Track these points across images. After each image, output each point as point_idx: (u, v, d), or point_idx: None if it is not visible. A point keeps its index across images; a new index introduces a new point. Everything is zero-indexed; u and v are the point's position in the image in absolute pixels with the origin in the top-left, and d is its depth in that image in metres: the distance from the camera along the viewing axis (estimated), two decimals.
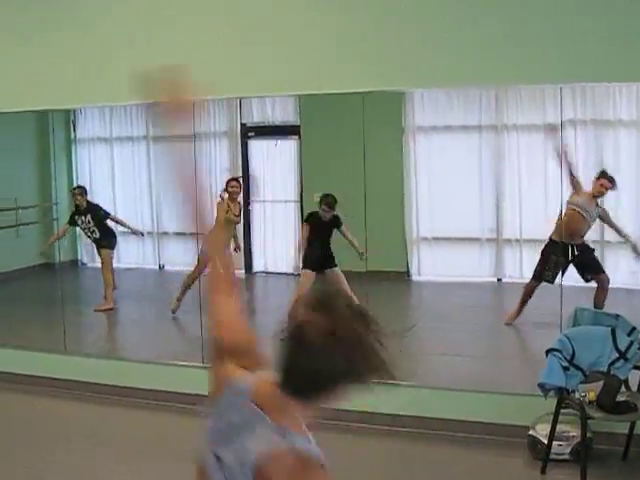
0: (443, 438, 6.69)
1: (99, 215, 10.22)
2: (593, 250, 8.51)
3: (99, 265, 10.48)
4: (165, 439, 6.90)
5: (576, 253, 8.21)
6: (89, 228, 10.22)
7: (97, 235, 10.24)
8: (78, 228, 10.41)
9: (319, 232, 8.85)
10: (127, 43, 7.64)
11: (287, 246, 10.30)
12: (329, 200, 8.77)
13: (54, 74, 7.93)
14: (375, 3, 6.85)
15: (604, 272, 8.51)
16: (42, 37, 7.99)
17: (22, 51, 8.08)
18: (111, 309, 10.25)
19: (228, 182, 9.67)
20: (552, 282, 8.20)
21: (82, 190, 10.33)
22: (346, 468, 6.22)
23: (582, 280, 8.38)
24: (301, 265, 9.00)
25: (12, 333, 8.93)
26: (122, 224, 10.61)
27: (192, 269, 9.55)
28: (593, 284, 8.42)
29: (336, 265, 8.80)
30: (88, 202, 10.20)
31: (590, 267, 8.39)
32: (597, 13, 6.19)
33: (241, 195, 9.74)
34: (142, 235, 11.05)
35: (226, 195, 9.53)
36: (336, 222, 8.79)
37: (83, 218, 10.17)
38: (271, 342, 2.31)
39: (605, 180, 8.36)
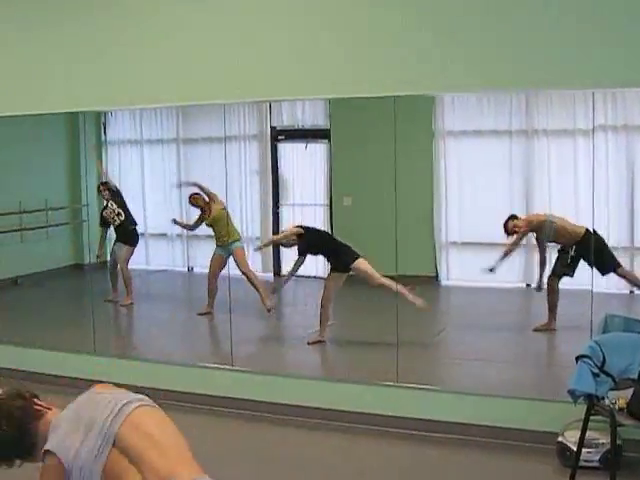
0: (470, 444, 6.67)
1: (120, 197, 10.46)
2: (603, 244, 8.39)
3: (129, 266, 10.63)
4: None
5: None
6: (114, 211, 10.38)
7: (122, 217, 10.39)
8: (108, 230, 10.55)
9: (312, 244, 9.20)
10: (156, 46, 7.67)
11: None
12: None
13: (85, 76, 7.96)
14: (406, 5, 6.83)
15: (620, 266, 8.48)
16: (73, 39, 8.03)
17: (53, 53, 8.11)
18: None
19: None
20: (569, 276, 8.56)
21: (105, 184, 10.61)
22: (374, 472, 6.23)
23: (613, 286, 8.37)
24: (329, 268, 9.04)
25: (42, 334, 8.98)
26: None
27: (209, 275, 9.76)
28: (625, 290, 8.41)
29: (357, 257, 8.84)
30: (110, 191, 10.49)
31: (602, 263, 8.33)
32: (630, 18, 6.14)
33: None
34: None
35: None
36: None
37: (109, 205, 10.38)
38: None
39: None
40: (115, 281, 10.57)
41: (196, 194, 10.14)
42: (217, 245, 9.94)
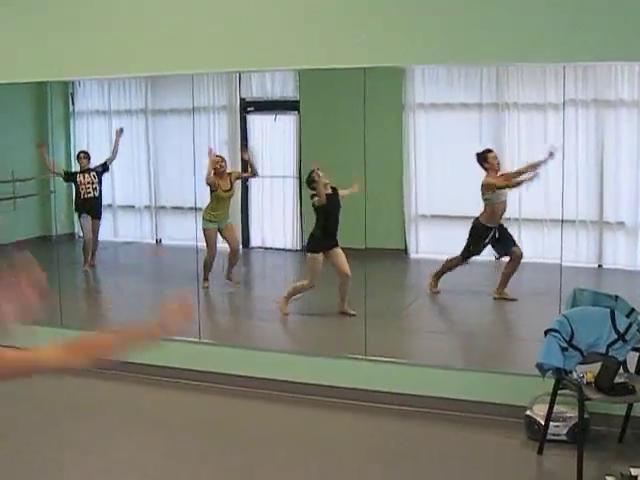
0: (440, 417, 6.68)
1: (103, 170, 10.44)
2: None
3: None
4: (155, 411, 6.91)
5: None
6: (92, 184, 10.35)
7: (97, 193, 10.37)
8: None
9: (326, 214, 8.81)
10: (125, 14, 7.58)
11: (285, 222, 10.25)
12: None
13: (53, 46, 7.87)
14: None
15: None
16: (41, 7, 7.93)
17: (21, 22, 8.01)
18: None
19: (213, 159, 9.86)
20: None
21: (87, 154, 10.49)
22: (341, 444, 6.23)
23: (583, 261, 8.47)
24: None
25: None
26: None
27: (207, 249, 9.66)
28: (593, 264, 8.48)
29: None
30: (89, 168, 10.50)
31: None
32: None
33: (232, 168, 9.94)
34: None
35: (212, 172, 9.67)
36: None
37: (86, 175, 10.38)
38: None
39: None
40: (88, 252, 10.58)
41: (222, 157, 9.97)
42: (213, 220, 9.81)
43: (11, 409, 6.62)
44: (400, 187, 10.15)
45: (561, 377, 5.75)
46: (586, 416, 5.78)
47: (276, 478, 5.78)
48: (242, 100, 10.85)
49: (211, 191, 9.66)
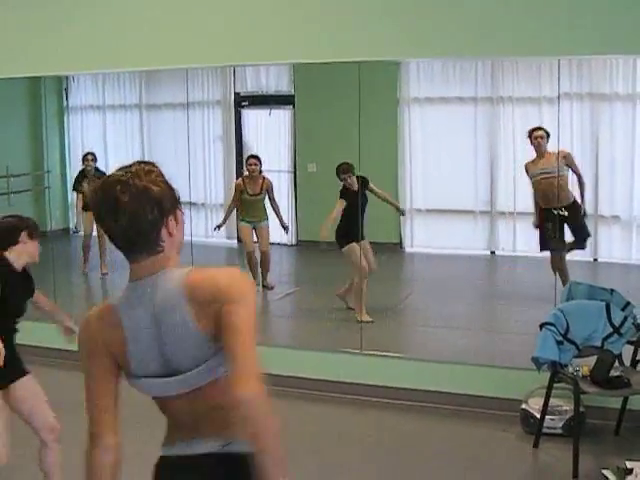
0: (436, 411, 6.67)
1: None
2: None
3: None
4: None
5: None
6: None
7: None
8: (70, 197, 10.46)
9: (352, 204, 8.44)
10: (120, 10, 7.56)
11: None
12: (346, 167, 8.28)
13: (47, 40, 7.84)
14: None
15: None
16: (34, 2, 7.90)
17: (14, 16, 7.98)
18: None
19: (247, 160, 9.74)
20: None
21: (94, 156, 10.42)
22: (337, 439, 6.22)
23: (578, 254, 8.43)
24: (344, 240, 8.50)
25: None
26: None
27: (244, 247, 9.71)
28: (589, 257, 8.49)
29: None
30: (97, 168, 10.33)
31: None
32: None
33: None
34: None
35: (245, 173, 9.63)
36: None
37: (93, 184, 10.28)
38: None
39: None
40: (88, 253, 10.47)
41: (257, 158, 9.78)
42: (245, 220, 9.71)
43: None
44: (395, 181, 10.13)
45: (556, 371, 5.75)
46: (582, 409, 5.77)
47: None
48: (236, 94, 10.84)
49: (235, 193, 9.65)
